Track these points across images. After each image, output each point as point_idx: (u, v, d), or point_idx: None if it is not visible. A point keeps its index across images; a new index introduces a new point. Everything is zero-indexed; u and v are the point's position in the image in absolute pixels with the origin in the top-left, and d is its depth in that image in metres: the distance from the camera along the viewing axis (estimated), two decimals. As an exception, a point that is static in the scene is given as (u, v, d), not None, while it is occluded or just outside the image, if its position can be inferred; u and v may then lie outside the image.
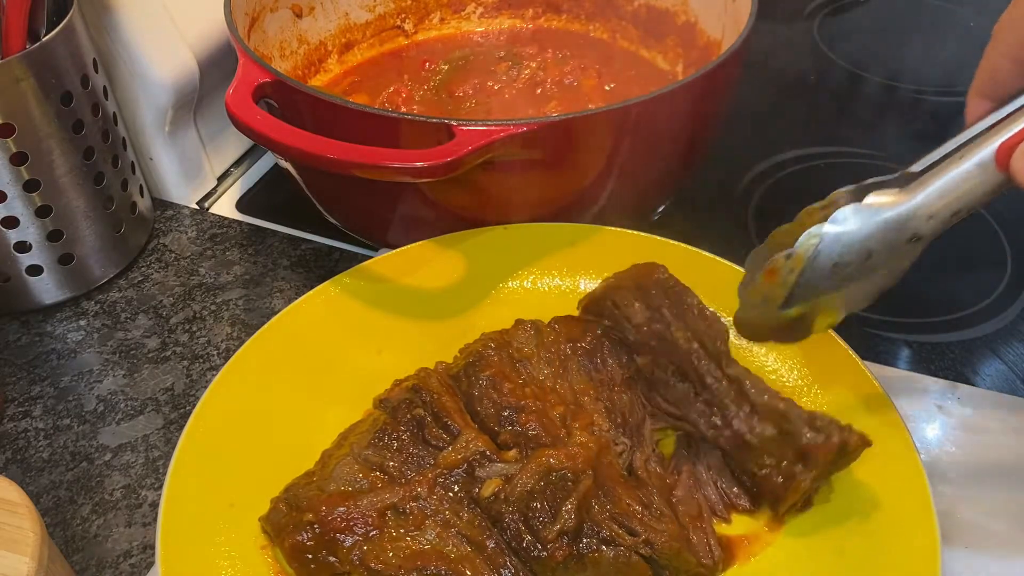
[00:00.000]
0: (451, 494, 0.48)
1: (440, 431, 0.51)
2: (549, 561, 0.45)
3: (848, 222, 0.45)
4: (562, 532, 0.46)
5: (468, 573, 0.45)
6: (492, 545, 0.46)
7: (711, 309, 0.55)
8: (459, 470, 0.49)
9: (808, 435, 0.48)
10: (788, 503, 0.49)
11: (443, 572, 0.45)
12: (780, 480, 0.49)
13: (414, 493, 0.48)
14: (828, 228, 0.45)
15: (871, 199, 0.45)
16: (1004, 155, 0.41)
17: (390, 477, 0.49)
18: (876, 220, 0.45)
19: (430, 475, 0.49)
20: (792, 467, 0.49)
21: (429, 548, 0.46)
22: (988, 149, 0.42)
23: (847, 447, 0.48)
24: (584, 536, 0.46)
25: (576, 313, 0.59)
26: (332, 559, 0.46)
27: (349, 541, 0.46)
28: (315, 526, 0.47)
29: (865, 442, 0.48)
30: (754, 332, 0.51)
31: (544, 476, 0.47)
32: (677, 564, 0.47)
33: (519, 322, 0.57)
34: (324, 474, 0.50)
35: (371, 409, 0.54)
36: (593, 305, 0.58)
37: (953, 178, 0.44)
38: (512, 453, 0.49)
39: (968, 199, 0.43)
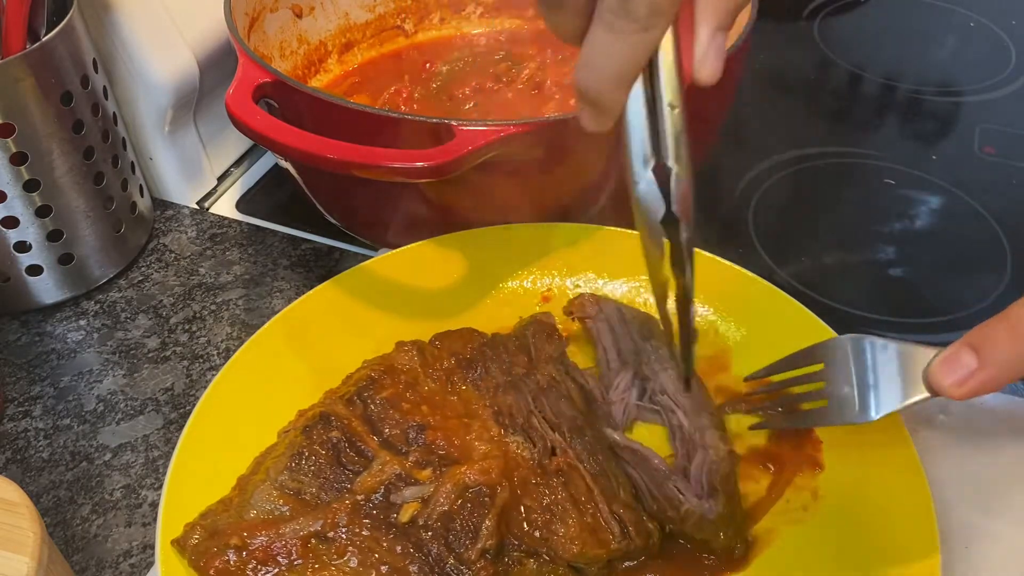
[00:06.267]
0: (370, 520, 0.47)
1: (354, 455, 0.50)
2: None
3: None
4: (483, 551, 0.45)
5: None
6: (415, 570, 0.45)
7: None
8: (377, 495, 0.48)
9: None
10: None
11: None
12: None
13: (335, 520, 0.47)
14: None
15: None
16: None
17: (308, 503, 0.48)
18: None
19: (348, 501, 0.48)
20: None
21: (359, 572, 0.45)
22: None
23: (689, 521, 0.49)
24: (507, 551, 0.46)
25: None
26: None
27: (273, 571, 0.46)
28: (241, 550, 0.46)
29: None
30: None
31: (460, 494, 0.47)
32: (588, 561, 0.47)
33: (399, 344, 0.57)
34: (242, 500, 0.49)
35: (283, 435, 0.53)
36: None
37: None
38: (427, 473, 0.49)
39: None
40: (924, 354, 0.39)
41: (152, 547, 0.54)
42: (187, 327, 0.68)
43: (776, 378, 0.50)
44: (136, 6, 0.69)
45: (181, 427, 0.54)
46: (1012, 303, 0.36)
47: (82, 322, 0.69)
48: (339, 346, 0.59)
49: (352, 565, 0.46)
